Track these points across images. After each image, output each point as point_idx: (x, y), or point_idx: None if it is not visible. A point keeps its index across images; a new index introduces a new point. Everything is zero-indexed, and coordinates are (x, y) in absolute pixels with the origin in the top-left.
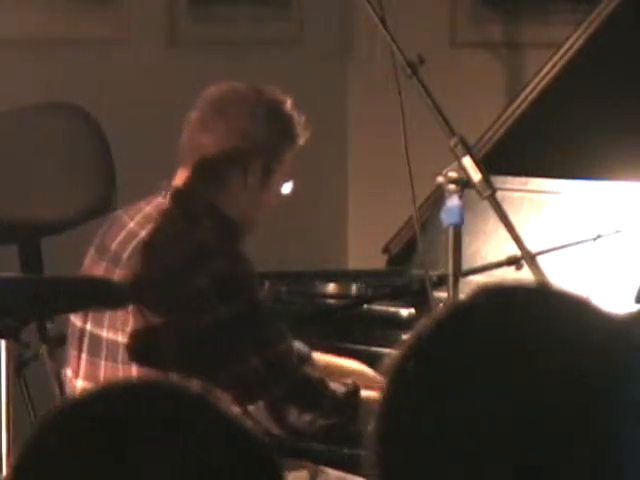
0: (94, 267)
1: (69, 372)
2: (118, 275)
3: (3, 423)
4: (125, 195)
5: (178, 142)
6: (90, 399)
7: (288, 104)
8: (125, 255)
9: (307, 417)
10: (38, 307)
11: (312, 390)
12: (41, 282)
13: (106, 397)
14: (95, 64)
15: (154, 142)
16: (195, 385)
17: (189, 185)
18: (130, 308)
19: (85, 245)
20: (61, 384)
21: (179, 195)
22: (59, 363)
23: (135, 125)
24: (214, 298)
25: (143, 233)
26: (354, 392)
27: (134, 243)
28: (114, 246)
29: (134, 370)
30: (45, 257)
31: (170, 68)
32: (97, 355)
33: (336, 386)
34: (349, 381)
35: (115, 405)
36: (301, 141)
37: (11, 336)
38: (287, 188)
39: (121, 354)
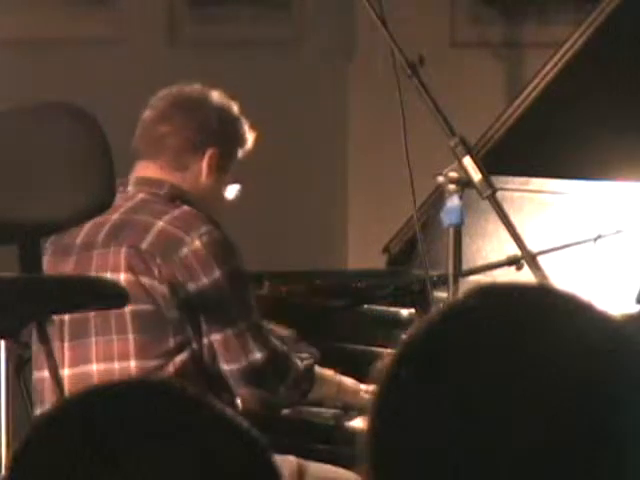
0: (59, 266)
1: (46, 372)
2: (96, 256)
3: (3, 423)
4: None
5: None
6: (88, 398)
7: (235, 107)
8: (99, 238)
9: (276, 386)
10: (38, 307)
11: (282, 360)
12: (41, 282)
13: (104, 397)
14: (95, 64)
15: None
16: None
17: (150, 173)
18: (123, 278)
19: None
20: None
21: (140, 183)
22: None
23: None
24: (207, 261)
25: (116, 216)
26: (311, 366)
27: (107, 227)
28: (80, 239)
29: (130, 338)
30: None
31: (170, 68)
32: (84, 336)
33: (296, 359)
34: (304, 355)
35: (114, 405)
36: (248, 144)
37: (11, 336)
38: (232, 192)
39: (114, 324)
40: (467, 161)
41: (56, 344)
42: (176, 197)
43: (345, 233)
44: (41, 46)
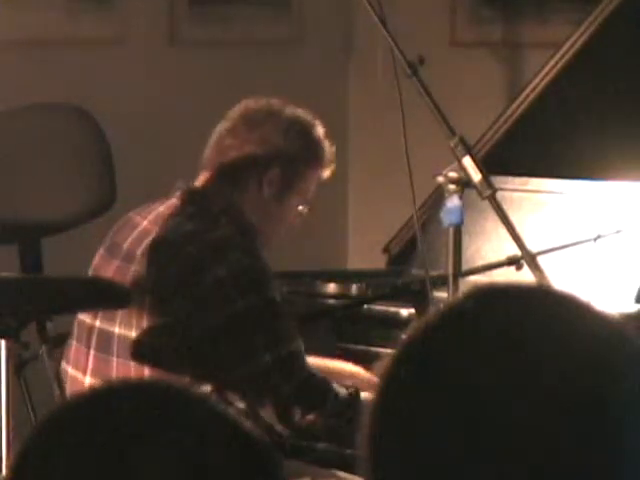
0: (104, 266)
1: (70, 369)
2: (133, 272)
3: (3, 423)
4: (125, 195)
5: (178, 141)
6: (90, 399)
7: (319, 129)
8: (139, 252)
9: (311, 416)
10: (38, 307)
11: (317, 390)
12: (41, 282)
13: (106, 397)
14: (95, 64)
15: (154, 142)
16: (200, 386)
17: (207, 185)
18: (145, 304)
19: (85, 245)
20: (61, 384)
21: (194, 195)
22: (58, 363)
23: (135, 125)
24: (232, 290)
25: (158, 231)
26: (356, 394)
27: (148, 240)
28: (126, 245)
29: (147, 370)
30: (45, 257)
31: (170, 67)
32: (107, 352)
33: (338, 387)
34: (349, 383)
35: (115, 405)
36: (327, 168)
37: (11, 336)
38: (302, 211)
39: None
40: (467, 161)
41: (82, 349)
42: (226, 214)
43: (345, 233)
44: (42, 46)
